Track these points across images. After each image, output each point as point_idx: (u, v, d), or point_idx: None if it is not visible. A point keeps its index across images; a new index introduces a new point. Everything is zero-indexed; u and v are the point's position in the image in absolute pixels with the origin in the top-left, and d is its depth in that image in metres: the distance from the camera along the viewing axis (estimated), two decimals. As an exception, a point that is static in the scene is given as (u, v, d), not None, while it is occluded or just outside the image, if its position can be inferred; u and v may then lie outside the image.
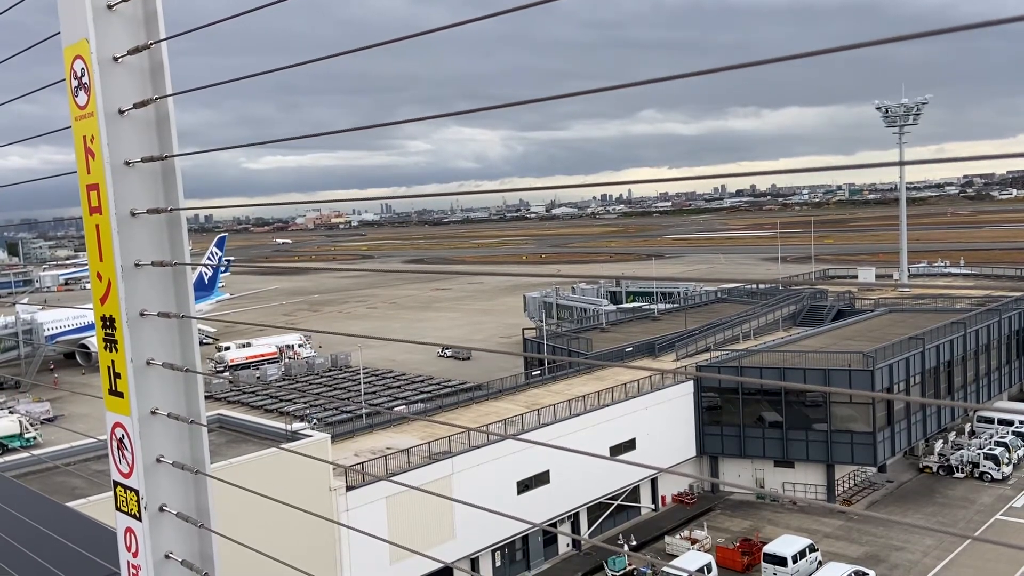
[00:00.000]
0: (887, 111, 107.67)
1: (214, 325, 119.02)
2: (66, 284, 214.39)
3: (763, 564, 49.13)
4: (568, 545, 56.07)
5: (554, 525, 54.84)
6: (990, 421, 70.08)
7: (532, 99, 4.25)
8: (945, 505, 58.46)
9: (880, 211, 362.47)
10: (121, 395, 5.36)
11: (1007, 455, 62.44)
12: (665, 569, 41.21)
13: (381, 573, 43.05)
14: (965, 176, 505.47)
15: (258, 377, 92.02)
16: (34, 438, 70.71)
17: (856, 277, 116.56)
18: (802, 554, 48.64)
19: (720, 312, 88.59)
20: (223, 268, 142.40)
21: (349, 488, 43.47)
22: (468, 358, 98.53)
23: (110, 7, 5.04)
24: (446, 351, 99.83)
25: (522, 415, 54.54)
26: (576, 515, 56.19)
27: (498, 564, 52.28)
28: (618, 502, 58.68)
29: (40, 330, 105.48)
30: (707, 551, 51.64)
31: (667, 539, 54.80)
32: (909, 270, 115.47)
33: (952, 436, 68.09)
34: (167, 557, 5.48)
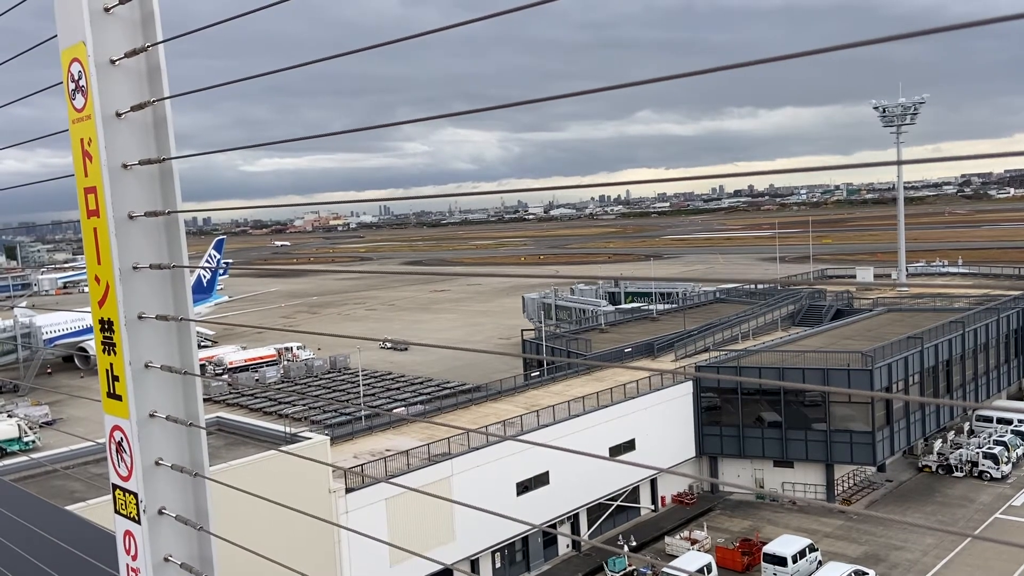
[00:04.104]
0: (884, 111, 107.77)
1: (212, 328, 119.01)
2: (64, 287, 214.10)
3: (763, 564, 49.15)
4: (568, 546, 56.03)
5: (554, 526, 54.81)
6: (989, 420, 70.14)
7: (528, 100, 4.25)
8: (944, 504, 58.47)
9: (878, 211, 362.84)
10: (120, 398, 5.36)
11: (1006, 454, 62.47)
12: (665, 569, 41.19)
13: (381, 575, 43.04)
14: (963, 175, 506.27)
15: (257, 380, 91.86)
16: (33, 441, 70.61)
17: (854, 277, 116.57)
18: (802, 554, 48.65)
19: (719, 312, 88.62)
20: (221, 271, 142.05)
21: (348, 490, 43.44)
22: (406, 349, 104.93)
23: (107, 10, 5.03)
24: (386, 343, 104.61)
25: (521, 416, 54.56)
26: (576, 516, 56.17)
27: (498, 565, 52.25)
28: (618, 503, 58.68)
29: (39, 333, 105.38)
30: (707, 551, 51.65)
31: (667, 539, 54.81)
32: (907, 269, 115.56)
33: (951, 435, 68.07)
34: (166, 560, 5.47)
